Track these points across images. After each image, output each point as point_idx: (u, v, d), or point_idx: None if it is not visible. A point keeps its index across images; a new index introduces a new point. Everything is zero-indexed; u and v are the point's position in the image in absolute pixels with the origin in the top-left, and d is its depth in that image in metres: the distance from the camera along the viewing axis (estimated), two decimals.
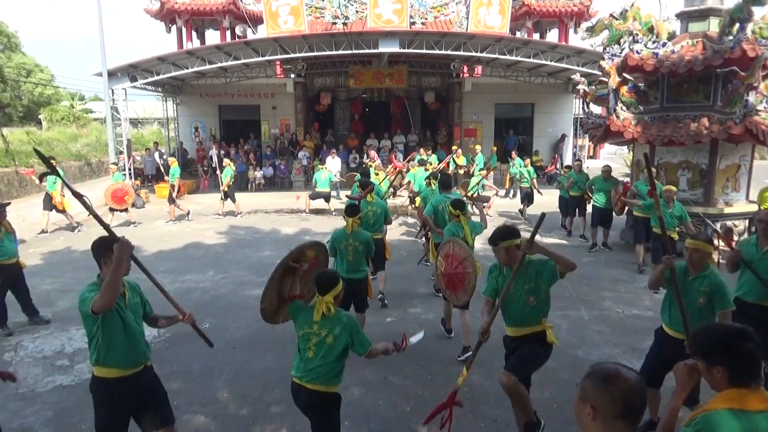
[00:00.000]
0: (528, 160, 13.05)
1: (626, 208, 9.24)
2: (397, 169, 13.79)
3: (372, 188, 7.17)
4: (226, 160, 13.73)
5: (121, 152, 14.78)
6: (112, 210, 11.76)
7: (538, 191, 12.28)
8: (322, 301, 3.14)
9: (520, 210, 12.67)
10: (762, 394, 1.80)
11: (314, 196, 13.31)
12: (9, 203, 7.28)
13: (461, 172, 15.57)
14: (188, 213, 12.85)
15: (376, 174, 12.94)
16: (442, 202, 6.54)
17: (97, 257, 3.07)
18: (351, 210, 5.46)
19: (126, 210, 11.98)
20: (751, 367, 1.82)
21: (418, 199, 9.99)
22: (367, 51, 14.17)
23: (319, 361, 3.16)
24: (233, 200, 13.03)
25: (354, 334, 3.20)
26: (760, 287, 4.03)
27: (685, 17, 9.11)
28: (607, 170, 9.60)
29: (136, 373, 3.04)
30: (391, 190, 11.89)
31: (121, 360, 2.97)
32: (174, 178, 12.57)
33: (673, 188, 7.34)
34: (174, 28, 18.68)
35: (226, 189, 12.81)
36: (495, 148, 17.80)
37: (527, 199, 12.38)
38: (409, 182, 12.45)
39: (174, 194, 12.55)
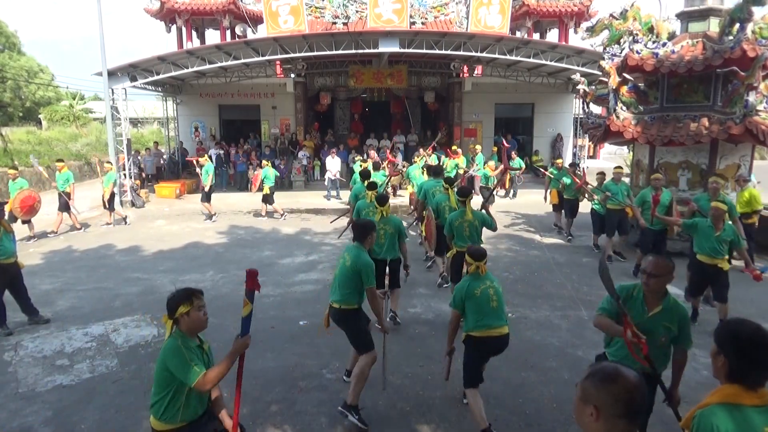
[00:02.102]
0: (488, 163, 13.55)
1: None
2: (391, 162, 13.84)
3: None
4: (108, 165, 12.66)
5: (121, 152, 14.77)
6: (24, 222, 10.38)
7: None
8: (380, 210, 5.88)
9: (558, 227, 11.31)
10: (759, 393, 1.81)
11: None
12: (6, 202, 7.29)
13: (461, 171, 15.54)
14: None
15: (363, 163, 12.96)
16: (432, 187, 7.92)
17: (362, 237, 4.37)
18: (381, 200, 6.06)
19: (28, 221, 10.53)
20: (755, 372, 1.82)
21: (410, 188, 11.61)
22: (367, 51, 14.16)
23: (388, 243, 5.74)
24: (112, 209, 12.24)
25: (401, 230, 5.83)
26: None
27: (685, 17, 9.11)
28: (658, 179, 7.77)
29: None
30: (390, 189, 11.95)
31: None
32: (108, 183, 11.98)
33: (723, 206, 5.75)
34: (174, 27, 18.67)
35: (108, 197, 12.06)
36: (496, 149, 17.81)
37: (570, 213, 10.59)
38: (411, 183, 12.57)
39: (106, 198, 12.10)
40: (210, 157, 18.33)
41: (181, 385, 2.66)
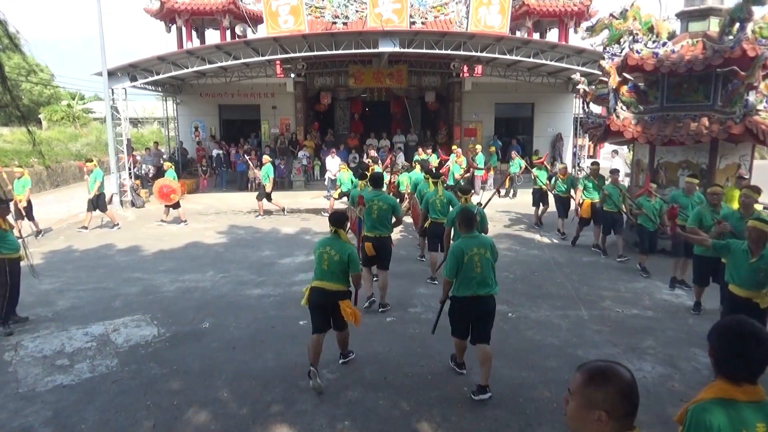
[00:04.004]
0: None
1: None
2: (391, 161, 13.90)
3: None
4: (19, 170, 11.05)
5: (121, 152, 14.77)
6: None
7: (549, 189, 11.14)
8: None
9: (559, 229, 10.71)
10: (749, 389, 1.82)
11: (341, 196, 13.03)
12: (12, 199, 7.35)
13: (461, 171, 15.56)
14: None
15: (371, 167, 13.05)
16: (421, 179, 9.34)
17: (380, 185, 6.76)
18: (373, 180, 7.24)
19: None
20: (739, 367, 1.82)
21: (404, 180, 12.38)
22: (367, 50, 14.15)
23: (376, 218, 6.41)
24: (30, 218, 10.86)
25: (396, 206, 6.58)
26: None
27: (685, 17, 9.11)
28: (716, 194, 6.22)
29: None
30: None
31: None
32: (23, 190, 10.71)
33: (765, 226, 4.39)
34: (174, 27, 18.67)
35: (24, 206, 10.63)
36: (494, 149, 17.85)
37: (542, 201, 11.44)
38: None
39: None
40: (211, 157, 18.45)
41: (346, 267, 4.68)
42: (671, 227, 5.63)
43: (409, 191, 11.38)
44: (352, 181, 12.00)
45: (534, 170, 11.69)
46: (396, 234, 10.98)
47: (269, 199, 13.03)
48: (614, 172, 9.27)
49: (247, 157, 15.28)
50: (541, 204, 11.50)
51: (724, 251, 4.76)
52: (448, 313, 4.64)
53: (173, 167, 12.99)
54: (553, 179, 10.93)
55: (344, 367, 5.00)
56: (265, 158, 13.39)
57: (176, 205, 12.31)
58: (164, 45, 54.15)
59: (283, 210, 13.35)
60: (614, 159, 16.22)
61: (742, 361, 1.81)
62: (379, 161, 14.19)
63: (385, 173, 10.33)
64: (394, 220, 6.57)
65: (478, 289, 4.35)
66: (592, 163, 10.23)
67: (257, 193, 13.25)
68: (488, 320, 4.46)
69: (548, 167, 11.94)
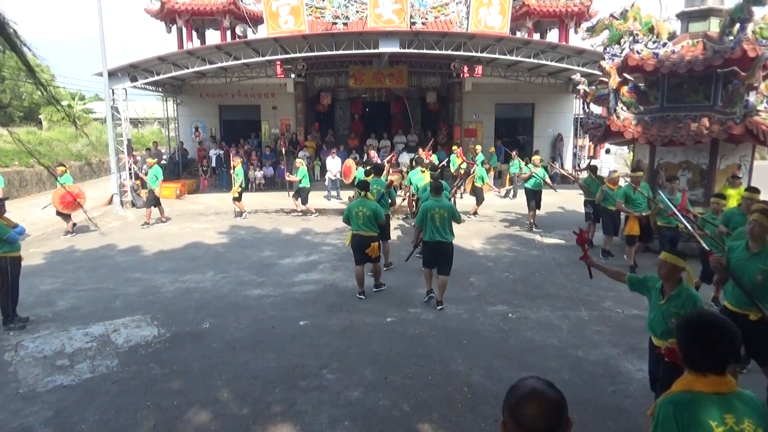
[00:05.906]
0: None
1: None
2: (392, 162, 13.96)
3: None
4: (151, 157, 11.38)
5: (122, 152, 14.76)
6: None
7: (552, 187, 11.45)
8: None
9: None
10: (714, 380, 1.86)
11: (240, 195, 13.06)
12: (7, 198, 7.39)
13: (461, 171, 15.55)
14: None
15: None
16: (418, 173, 10.08)
17: (379, 173, 8.66)
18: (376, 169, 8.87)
19: None
20: (706, 358, 1.87)
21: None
22: (367, 51, 14.15)
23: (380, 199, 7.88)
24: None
25: (389, 190, 8.36)
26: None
27: (685, 17, 9.11)
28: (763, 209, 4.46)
29: None
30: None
31: None
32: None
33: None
34: (174, 28, 18.66)
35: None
36: (493, 149, 17.87)
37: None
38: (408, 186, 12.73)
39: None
40: (211, 158, 18.43)
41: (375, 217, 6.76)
42: (583, 255, 4.29)
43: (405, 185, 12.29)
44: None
45: (605, 187, 8.90)
46: (396, 235, 11.04)
47: (156, 204, 12.36)
48: (671, 179, 7.75)
49: (131, 161, 14.37)
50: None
51: (642, 289, 3.89)
52: (422, 253, 6.74)
53: (68, 171, 11.87)
54: (599, 191, 9.11)
55: (344, 367, 5.00)
56: (150, 161, 12.82)
57: (68, 216, 11.16)
58: (164, 45, 54.35)
59: (153, 221, 12.52)
60: (605, 156, 16.13)
61: (706, 352, 1.87)
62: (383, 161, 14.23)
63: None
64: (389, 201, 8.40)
65: (438, 236, 6.32)
66: (634, 170, 8.83)
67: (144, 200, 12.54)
68: (446, 259, 6.40)
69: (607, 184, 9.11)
